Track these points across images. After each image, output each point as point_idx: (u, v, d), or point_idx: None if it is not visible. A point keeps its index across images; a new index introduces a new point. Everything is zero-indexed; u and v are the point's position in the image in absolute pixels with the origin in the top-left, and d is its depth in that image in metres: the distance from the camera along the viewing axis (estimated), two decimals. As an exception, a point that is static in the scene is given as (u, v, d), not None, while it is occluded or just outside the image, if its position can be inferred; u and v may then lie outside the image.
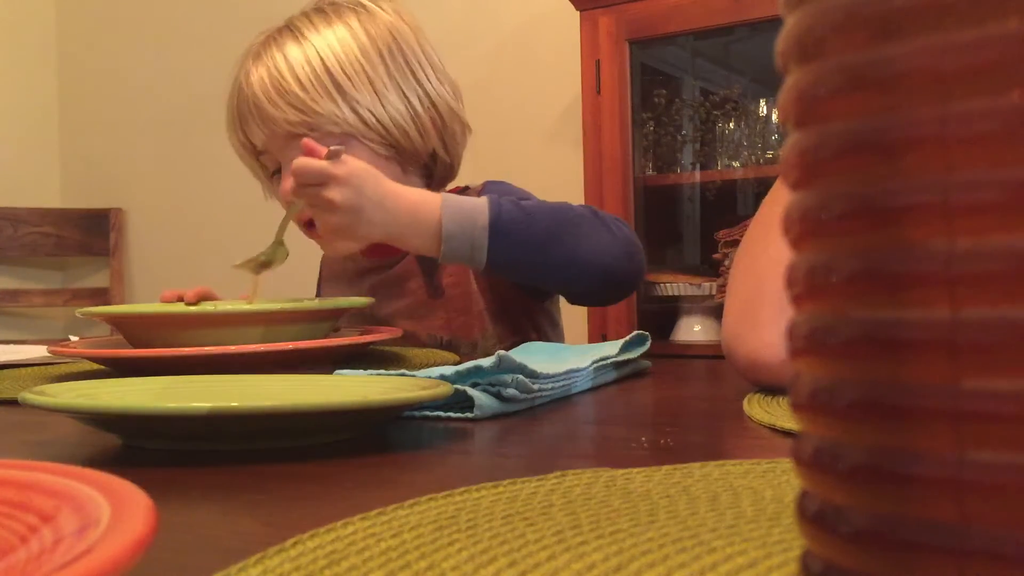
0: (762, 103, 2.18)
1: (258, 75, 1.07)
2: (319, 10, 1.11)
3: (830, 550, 0.21)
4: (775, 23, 0.22)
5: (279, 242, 0.99)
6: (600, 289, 1.02)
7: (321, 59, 1.05)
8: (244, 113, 1.09)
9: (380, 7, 1.12)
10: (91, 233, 3.08)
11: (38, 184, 3.18)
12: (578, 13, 2.13)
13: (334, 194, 0.88)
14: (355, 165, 0.90)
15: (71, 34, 3.24)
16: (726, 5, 1.99)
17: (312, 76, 1.05)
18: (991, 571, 0.18)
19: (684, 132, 2.27)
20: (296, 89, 1.04)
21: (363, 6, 1.11)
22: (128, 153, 3.10)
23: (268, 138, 1.07)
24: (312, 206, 0.91)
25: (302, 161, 0.89)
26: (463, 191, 1.16)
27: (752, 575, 0.27)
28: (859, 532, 0.20)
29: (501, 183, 1.16)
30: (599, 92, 2.11)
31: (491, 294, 1.09)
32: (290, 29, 1.09)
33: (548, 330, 1.16)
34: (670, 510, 0.34)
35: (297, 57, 1.06)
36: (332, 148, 0.89)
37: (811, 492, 0.22)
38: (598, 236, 0.97)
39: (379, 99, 1.06)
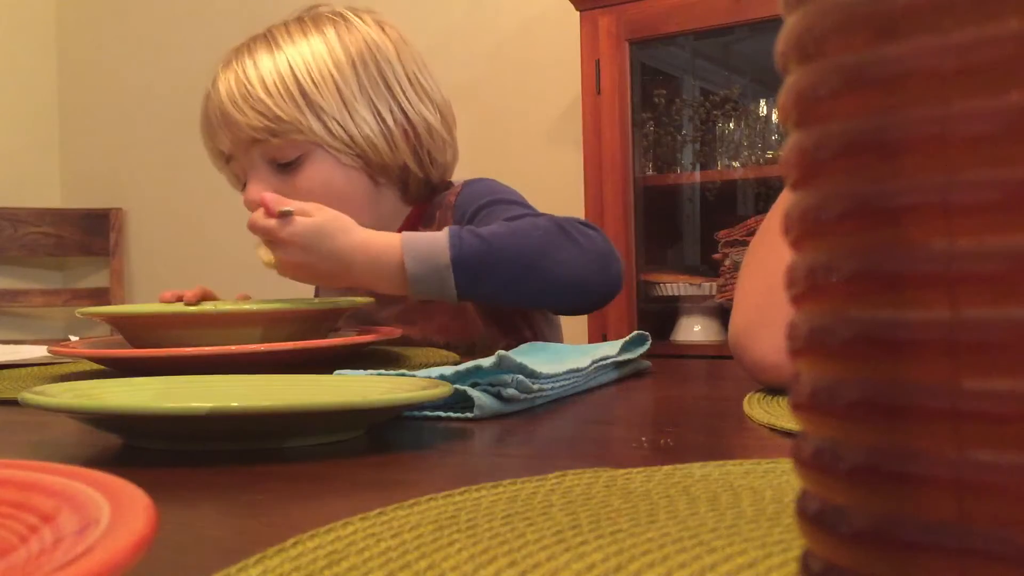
0: (762, 103, 2.18)
1: (226, 81, 1.07)
2: (298, 20, 1.11)
3: (830, 550, 0.21)
4: (775, 23, 0.22)
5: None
6: (575, 304, 1.03)
7: (291, 67, 1.06)
8: (211, 119, 1.09)
9: (361, 19, 1.11)
10: (91, 233, 3.08)
11: (38, 184, 3.18)
12: (578, 13, 2.13)
13: (279, 254, 0.93)
14: (303, 224, 0.92)
15: (71, 34, 3.24)
16: (726, 5, 1.99)
17: (279, 83, 1.05)
18: (991, 571, 0.18)
19: (684, 132, 2.27)
20: (261, 95, 1.05)
21: (343, 17, 1.11)
22: (128, 153, 3.10)
23: (233, 143, 1.08)
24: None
25: (254, 217, 0.94)
26: (446, 188, 1.16)
27: (752, 575, 0.27)
28: (859, 532, 0.20)
29: (482, 181, 1.14)
30: (599, 92, 2.11)
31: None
32: (266, 38, 1.09)
33: (544, 327, 1.16)
34: (670, 510, 0.34)
35: (267, 65, 1.06)
36: (283, 209, 0.92)
37: (811, 492, 0.22)
38: (566, 253, 0.96)
39: (347, 110, 1.06)
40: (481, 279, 0.93)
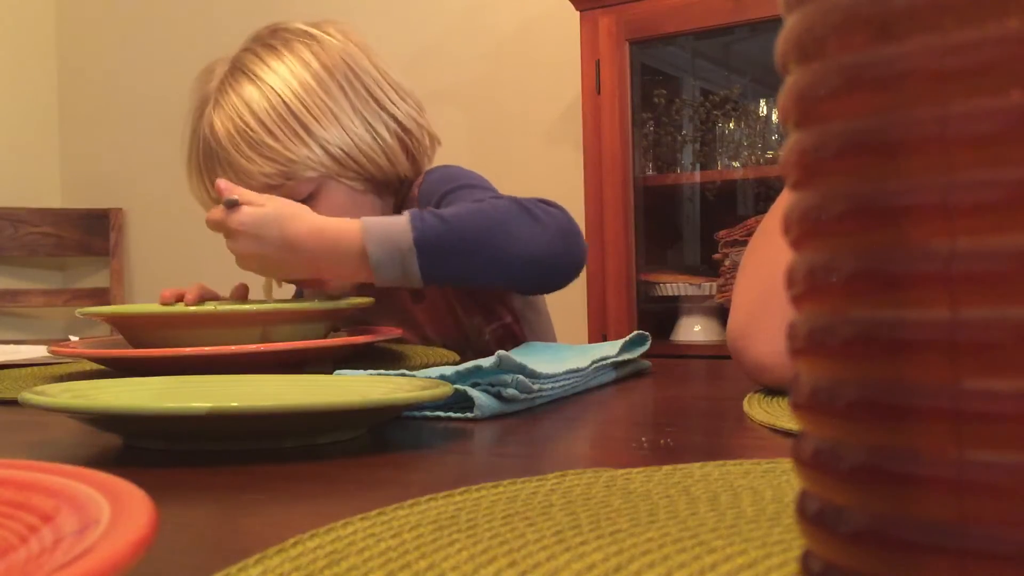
0: (762, 103, 2.18)
1: (223, 126, 1.05)
2: (267, 45, 1.08)
3: (830, 550, 0.21)
4: (775, 23, 0.22)
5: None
6: (539, 281, 1.02)
7: (283, 100, 1.04)
8: (212, 166, 1.07)
9: (328, 33, 1.09)
10: (91, 233, 3.08)
11: (38, 184, 3.18)
12: (578, 13, 2.13)
13: (231, 245, 0.92)
14: (250, 213, 0.91)
15: (71, 34, 3.24)
16: (726, 5, 1.99)
17: (278, 120, 1.03)
18: (991, 571, 0.18)
19: (684, 132, 2.27)
20: (266, 138, 1.03)
21: (311, 35, 1.08)
22: (128, 153, 3.10)
23: None
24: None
25: (208, 214, 0.93)
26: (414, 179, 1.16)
27: (752, 575, 0.27)
28: (859, 532, 0.20)
29: (444, 168, 1.13)
30: (599, 92, 2.11)
31: (457, 288, 1.09)
32: (242, 70, 1.07)
33: (527, 312, 1.15)
34: (670, 510, 0.34)
35: (259, 101, 1.04)
36: (227, 199, 0.91)
37: (811, 492, 0.22)
38: (527, 230, 0.95)
39: (346, 133, 1.05)
40: (444, 260, 0.92)
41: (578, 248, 1.00)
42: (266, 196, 0.94)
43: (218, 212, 0.92)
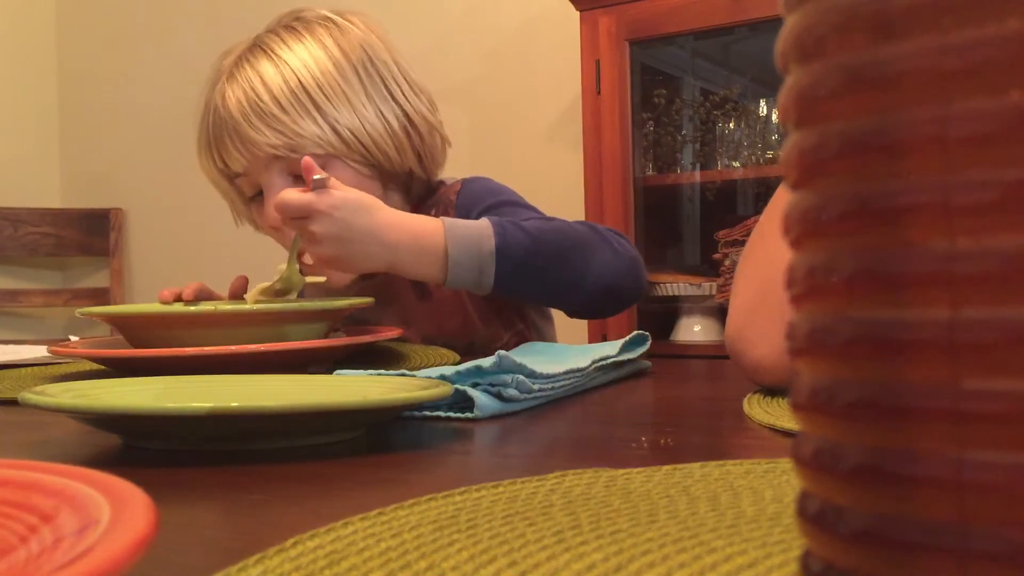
0: (762, 103, 2.18)
1: (235, 97, 1.04)
2: (288, 27, 1.09)
3: (830, 550, 0.21)
4: (775, 23, 0.22)
5: (292, 267, 0.94)
6: (603, 307, 1.03)
7: (298, 78, 1.03)
8: (221, 136, 1.06)
9: (350, 22, 1.10)
10: (91, 233, 3.08)
11: (38, 184, 3.18)
12: (578, 13, 2.13)
13: (317, 228, 0.87)
14: (341, 196, 0.87)
15: (71, 35, 3.24)
16: (726, 5, 1.99)
17: (290, 96, 1.03)
18: (991, 571, 0.18)
19: (684, 132, 2.27)
20: (276, 111, 1.02)
21: (333, 21, 1.09)
22: (128, 153, 3.10)
23: (249, 162, 1.05)
24: (301, 238, 0.90)
25: (285, 194, 0.88)
26: (438, 186, 1.16)
27: (752, 575, 0.27)
28: (859, 532, 0.20)
29: (480, 180, 1.14)
30: (599, 92, 2.11)
31: (477, 295, 1.09)
32: (261, 48, 1.07)
33: (539, 321, 1.16)
34: (670, 510, 0.34)
35: (273, 77, 1.04)
36: (316, 178, 0.87)
37: (811, 492, 0.22)
38: (602, 255, 0.97)
39: (357, 116, 1.04)
40: (520, 271, 0.92)
41: (643, 280, 1.02)
42: (334, 183, 0.90)
43: (295, 193, 0.87)
